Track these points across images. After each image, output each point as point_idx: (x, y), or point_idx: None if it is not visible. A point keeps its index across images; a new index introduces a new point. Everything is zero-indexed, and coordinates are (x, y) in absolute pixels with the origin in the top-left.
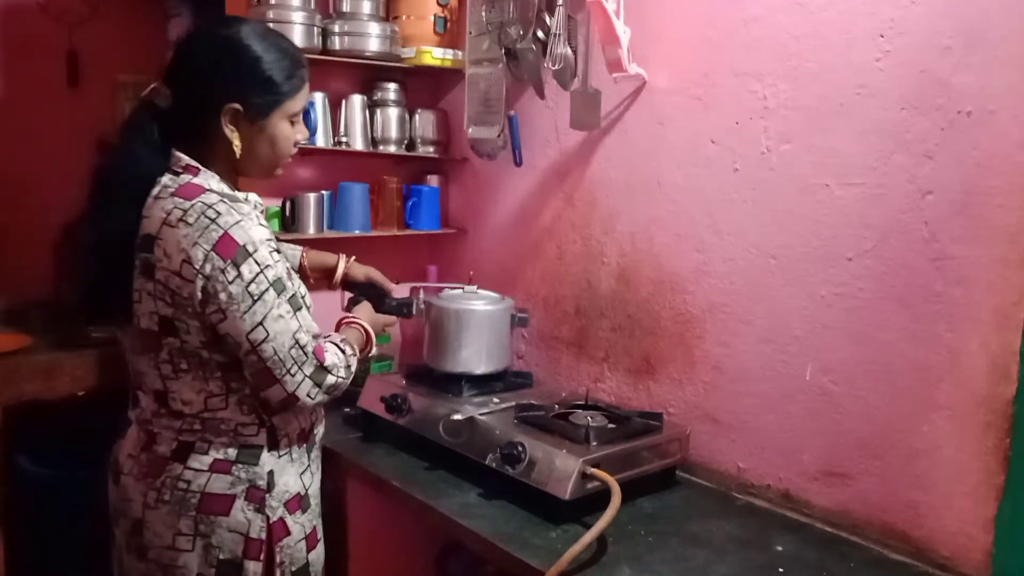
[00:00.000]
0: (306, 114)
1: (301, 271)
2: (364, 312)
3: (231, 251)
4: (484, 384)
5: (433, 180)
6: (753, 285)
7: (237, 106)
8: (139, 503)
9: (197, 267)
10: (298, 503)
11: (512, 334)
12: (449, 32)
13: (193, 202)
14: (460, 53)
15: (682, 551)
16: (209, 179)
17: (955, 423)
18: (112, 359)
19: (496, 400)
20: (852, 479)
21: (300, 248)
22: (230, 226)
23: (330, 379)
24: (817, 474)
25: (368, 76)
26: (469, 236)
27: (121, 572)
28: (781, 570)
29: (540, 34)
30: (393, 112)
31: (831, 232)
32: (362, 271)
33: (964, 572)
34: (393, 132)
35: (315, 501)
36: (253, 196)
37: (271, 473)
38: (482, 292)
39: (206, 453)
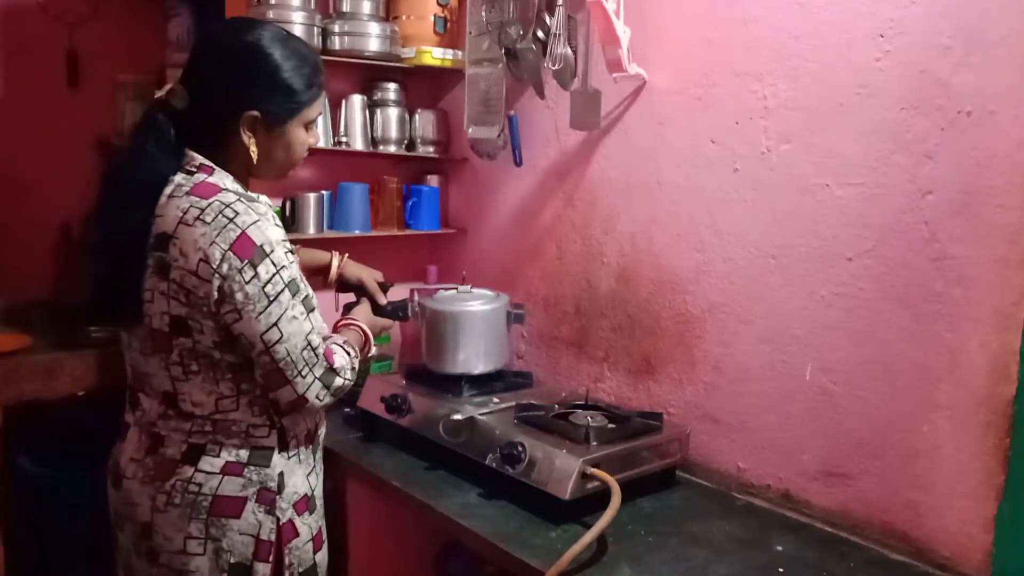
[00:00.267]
0: None
1: None
2: (362, 313)
3: (249, 251)
4: (484, 384)
5: (433, 180)
6: (753, 285)
7: (256, 113)
8: (147, 507)
9: (214, 266)
10: (306, 504)
11: (510, 331)
12: (449, 32)
13: (210, 201)
14: (460, 53)
15: (682, 551)
16: (224, 178)
17: (955, 423)
18: (112, 359)
19: (496, 400)
20: (852, 479)
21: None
22: (247, 226)
23: (338, 381)
24: (817, 474)
25: (368, 76)
26: (469, 236)
27: None
28: (781, 570)
29: (540, 34)
30: (393, 112)
31: (831, 232)
32: (355, 273)
33: (964, 572)
34: (393, 132)
35: (320, 502)
36: (264, 198)
37: (281, 475)
38: (476, 291)
39: (217, 455)
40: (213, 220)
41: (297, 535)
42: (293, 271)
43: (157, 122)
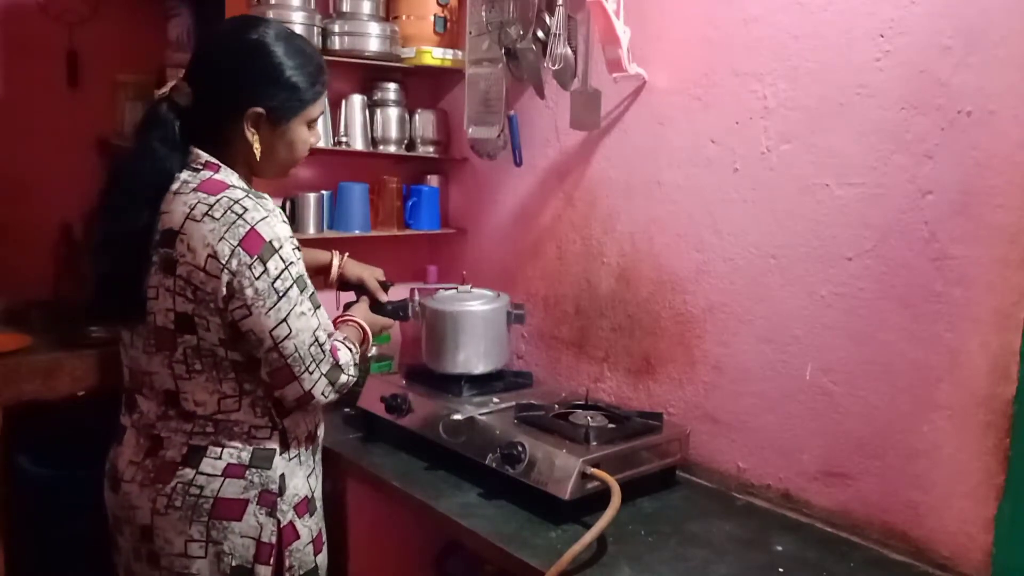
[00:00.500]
0: None
1: None
2: (360, 311)
3: (258, 247)
4: (484, 384)
5: (433, 180)
6: (753, 285)
7: (260, 110)
8: (147, 509)
9: (223, 262)
10: (306, 506)
11: (510, 331)
12: (449, 32)
13: (219, 197)
14: (460, 53)
15: (682, 551)
16: (230, 175)
17: (955, 423)
18: (112, 359)
19: (496, 400)
20: (852, 479)
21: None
22: (256, 222)
23: (343, 378)
24: (817, 474)
25: (368, 76)
26: (469, 236)
27: None
28: (781, 570)
29: (540, 34)
30: (393, 112)
31: (831, 232)
32: (355, 272)
33: (964, 572)
34: (393, 132)
35: (320, 503)
36: (267, 196)
37: (283, 477)
38: (476, 291)
39: (219, 457)
40: (222, 216)
41: (298, 537)
42: (300, 268)
43: (161, 119)
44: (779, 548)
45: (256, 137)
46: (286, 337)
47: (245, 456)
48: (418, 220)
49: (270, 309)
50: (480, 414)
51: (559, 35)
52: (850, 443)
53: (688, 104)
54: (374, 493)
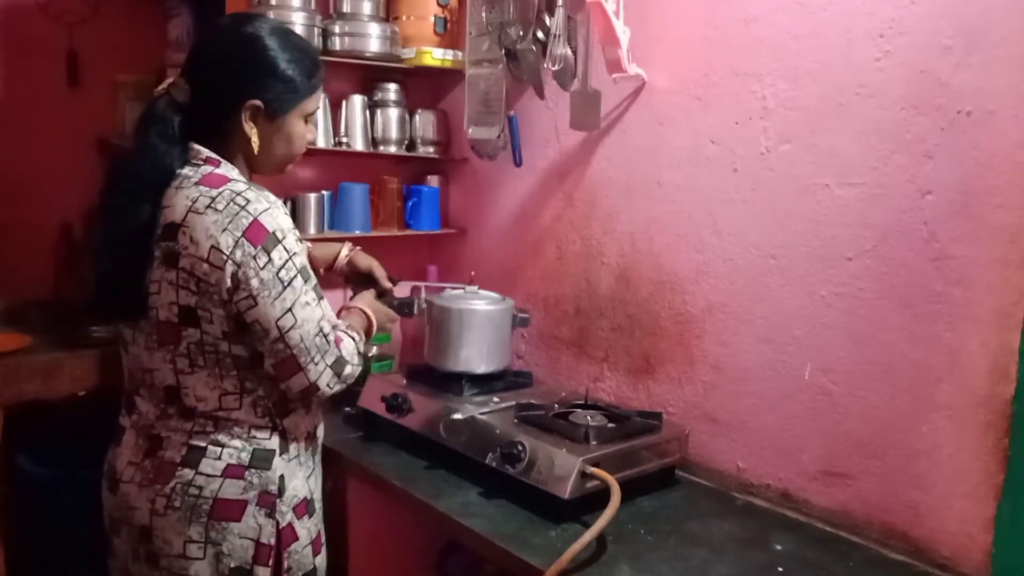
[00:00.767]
0: None
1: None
2: (366, 299)
3: (262, 238)
4: (484, 383)
5: (433, 180)
6: (753, 285)
7: (258, 102)
8: (146, 510)
9: (227, 253)
10: (305, 508)
11: (512, 334)
12: (449, 32)
13: (221, 190)
14: (460, 53)
15: (681, 550)
16: (231, 170)
17: (955, 423)
18: (112, 359)
19: (496, 399)
20: (852, 479)
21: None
22: (260, 213)
23: (348, 368)
24: (817, 474)
25: (368, 76)
26: (469, 236)
27: None
28: (781, 569)
29: (540, 35)
30: (393, 112)
31: (831, 232)
32: (366, 262)
33: (964, 572)
34: (393, 132)
35: (319, 504)
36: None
37: (282, 478)
38: (483, 292)
39: (219, 458)
40: (225, 208)
41: (297, 539)
42: (303, 258)
43: (160, 115)
44: (779, 548)
45: (254, 131)
46: (292, 327)
47: (245, 457)
48: (418, 220)
49: (275, 299)
50: (480, 413)
51: (559, 36)
52: (850, 443)
53: (688, 104)
54: (374, 493)
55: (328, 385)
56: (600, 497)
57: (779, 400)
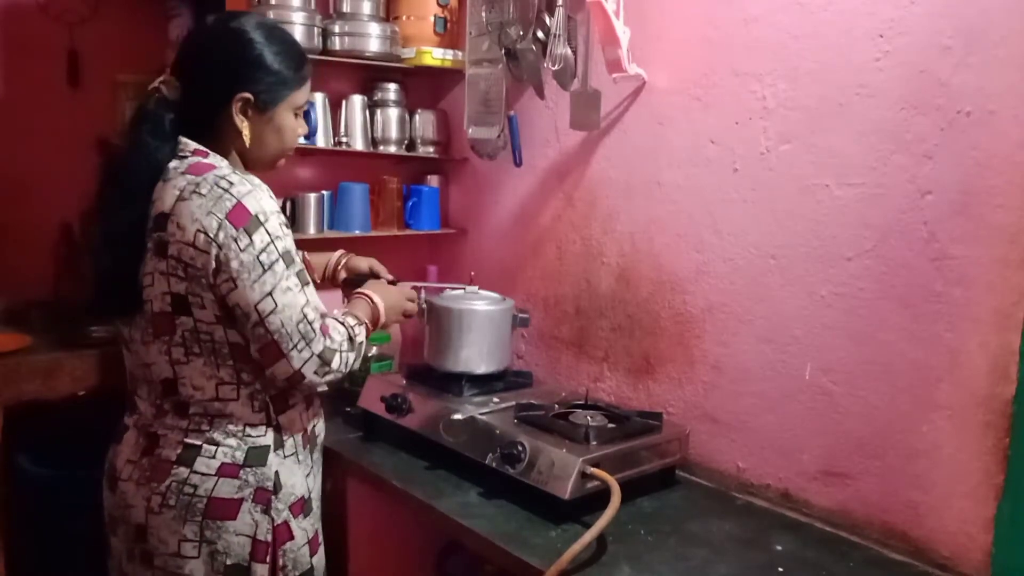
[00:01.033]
0: (306, 114)
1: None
2: (373, 285)
3: (244, 219)
4: (484, 384)
5: (433, 180)
6: (753, 285)
7: (248, 95)
8: (141, 508)
9: (211, 235)
10: (301, 507)
11: (512, 334)
12: (449, 32)
13: (205, 176)
14: (460, 53)
15: (682, 550)
16: (218, 159)
17: (955, 423)
18: (112, 359)
19: (496, 400)
20: (852, 479)
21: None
22: (243, 195)
23: (337, 358)
24: (817, 474)
25: (368, 76)
26: (469, 236)
27: None
28: (781, 569)
29: (540, 34)
30: (393, 112)
31: (831, 232)
32: (365, 261)
33: (964, 572)
34: (393, 132)
35: (317, 504)
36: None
37: (277, 474)
38: (483, 292)
39: (213, 456)
40: (209, 191)
41: (292, 537)
42: (288, 243)
43: (151, 113)
44: (779, 547)
45: (245, 124)
46: (271, 312)
47: (239, 456)
48: (418, 220)
49: (255, 282)
50: (480, 414)
51: (559, 35)
52: (850, 443)
53: (688, 104)
54: (374, 493)
55: (315, 373)
56: (600, 497)
57: (779, 400)
